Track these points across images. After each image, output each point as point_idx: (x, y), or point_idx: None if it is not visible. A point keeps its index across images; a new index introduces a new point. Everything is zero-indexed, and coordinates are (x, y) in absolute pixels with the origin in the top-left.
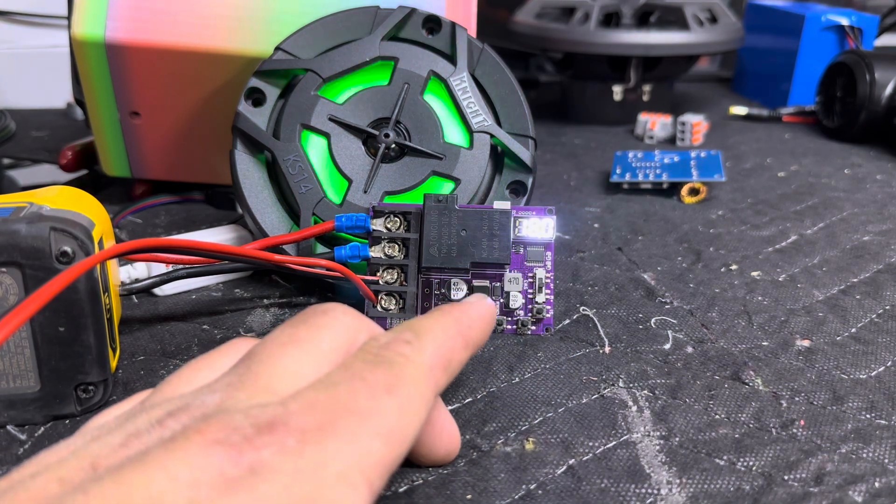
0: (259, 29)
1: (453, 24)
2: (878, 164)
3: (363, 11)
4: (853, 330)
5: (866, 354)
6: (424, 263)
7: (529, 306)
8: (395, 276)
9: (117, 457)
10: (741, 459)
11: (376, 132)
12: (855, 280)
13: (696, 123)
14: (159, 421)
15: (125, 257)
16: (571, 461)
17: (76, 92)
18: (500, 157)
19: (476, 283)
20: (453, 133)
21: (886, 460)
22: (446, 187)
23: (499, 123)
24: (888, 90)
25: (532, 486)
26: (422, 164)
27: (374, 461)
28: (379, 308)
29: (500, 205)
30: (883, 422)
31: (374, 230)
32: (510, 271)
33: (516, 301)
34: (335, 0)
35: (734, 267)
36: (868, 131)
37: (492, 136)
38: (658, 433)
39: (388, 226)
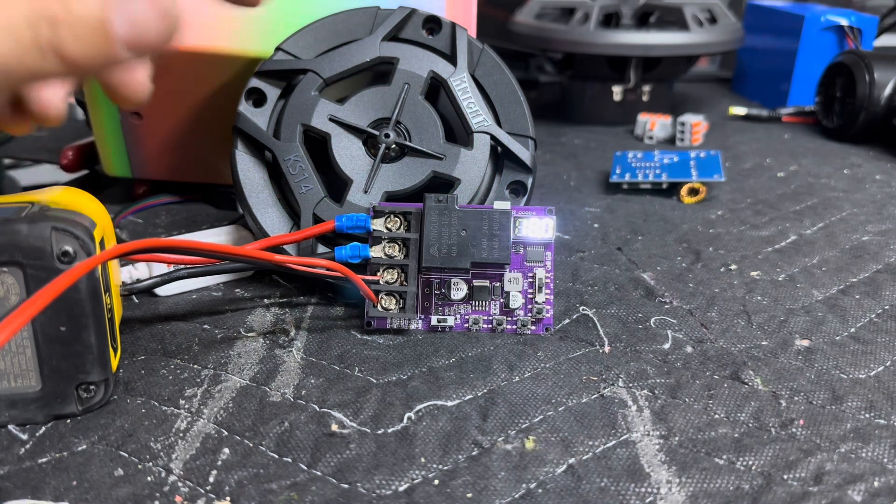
0: (259, 29)
1: (453, 25)
2: (877, 165)
3: (363, 12)
4: (852, 330)
5: (865, 354)
6: (424, 263)
7: (529, 306)
8: (396, 276)
9: None
10: (741, 459)
11: (377, 132)
12: (854, 280)
13: (696, 124)
14: None
15: (126, 257)
16: (571, 460)
17: (77, 92)
18: (500, 157)
19: (476, 282)
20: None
21: (885, 460)
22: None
23: (499, 123)
24: (887, 90)
25: (532, 485)
26: (422, 164)
27: None
28: (379, 308)
29: (500, 205)
30: (882, 421)
31: (374, 230)
32: (510, 271)
33: (516, 301)
34: (335, 0)
35: (733, 267)
36: (867, 131)
37: (492, 136)
38: (658, 432)
39: (389, 226)
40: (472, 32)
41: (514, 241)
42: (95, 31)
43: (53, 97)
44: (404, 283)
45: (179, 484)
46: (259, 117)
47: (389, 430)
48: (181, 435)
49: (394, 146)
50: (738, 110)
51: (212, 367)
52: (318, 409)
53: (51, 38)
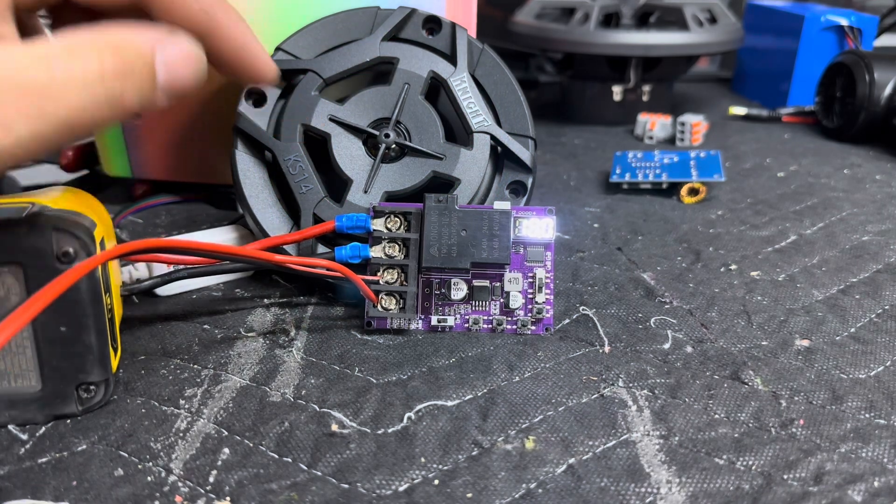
0: (259, 29)
1: (453, 25)
2: (877, 165)
3: (363, 12)
4: (852, 330)
5: (865, 354)
6: (425, 263)
7: (529, 306)
8: (396, 276)
9: None
10: (741, 459)
11: (377, 132)
12: (854, 280)
13: (696, 124)
14: None
15: (126, 257)
16: (571, 460)
17: None
18: (500, 157)
19: (476, 282)
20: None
21: (885, 460)
22: None
23: (499, 123)
24: (887, 90)
25: (532, 485)
26: (422, 164)
27: None
28: (379, 308)
29: (500, 205)
30: (882, 421)
31: (374, 230)
32: (510, 271)
33: (516, 301)
34: (335, 0)
35: (733, 267)
36: (867, 131)
37: (492, 136)
38: (658, 432)
39: (389, 226)
40: (472, 32)
41: (514, 241)
42: (147, 80)
43: None
44: (404, 283)
45: (179, 484)
46: (259, 117)
47: (389, 430)
48: (181, 435)
49: (394, 146)
50: (738, 110)
51: (212, 367)
52: (318, 409)
53: (116, 92)
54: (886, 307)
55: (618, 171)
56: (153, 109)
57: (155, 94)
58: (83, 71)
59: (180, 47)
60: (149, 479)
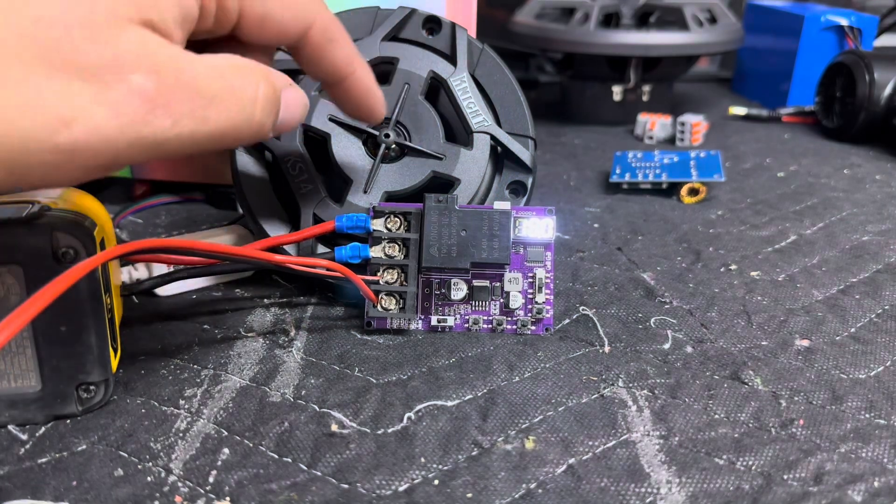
0: None
1: (453, 25)
2: (877, 165)
3: (363, 12)
4: (852, 330)
5: (865, 354)
6: (424, 263)
7: (529, 306)
8: (396, 276)
9: None
10: (741, 459)
11: (376, 132)
12: (854, 280)
13: (696, 124)
14: None
15: (126, 257)
16: (571, 460)
17: None
18: (500, 157)
19: (476, 282)
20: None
21: (885, 460)
22: None
23: (499, 123)
24: (887, 90)
25: (532, 485)
26: (422, 165)
27: None
28: (379, 308)
29: (500, 205)
30: (882, 421)
31: (374, 230)
32: (510, 271)
33: (516, 301)
34: (335, 0)
35: (733, 267)
36: (867, 131)
37: (492, 136)
38: (658, 433)
39: (389, 226)
40: (472, 32)
41: (514, 241)
42: (276, 114)
43: None
44: (404, 283)
45: (179, 484)
46: None
47: (389, 430)
48: (181, 435)
49: (394, 146)
50: (738, 110)
51: (212, 367)
52: (318, 409)
53: (258, 117)
54: (886, 307)
55: (618, 171)
56: (262, 140)
57: (272, 128)
58: (246, 90)
59: (297, 93)
60: (149, 479)
